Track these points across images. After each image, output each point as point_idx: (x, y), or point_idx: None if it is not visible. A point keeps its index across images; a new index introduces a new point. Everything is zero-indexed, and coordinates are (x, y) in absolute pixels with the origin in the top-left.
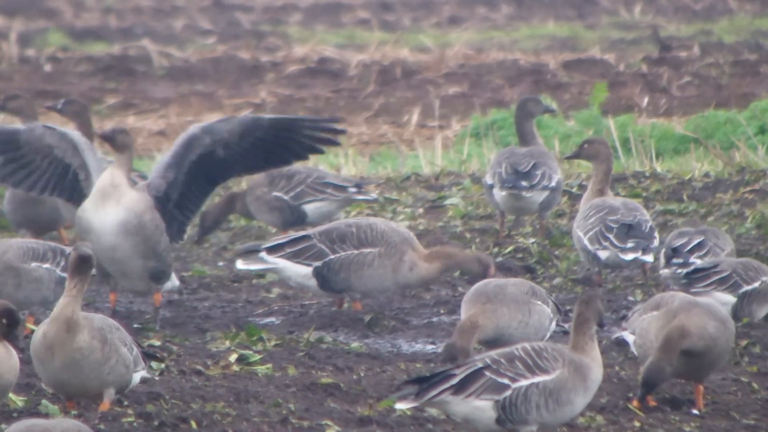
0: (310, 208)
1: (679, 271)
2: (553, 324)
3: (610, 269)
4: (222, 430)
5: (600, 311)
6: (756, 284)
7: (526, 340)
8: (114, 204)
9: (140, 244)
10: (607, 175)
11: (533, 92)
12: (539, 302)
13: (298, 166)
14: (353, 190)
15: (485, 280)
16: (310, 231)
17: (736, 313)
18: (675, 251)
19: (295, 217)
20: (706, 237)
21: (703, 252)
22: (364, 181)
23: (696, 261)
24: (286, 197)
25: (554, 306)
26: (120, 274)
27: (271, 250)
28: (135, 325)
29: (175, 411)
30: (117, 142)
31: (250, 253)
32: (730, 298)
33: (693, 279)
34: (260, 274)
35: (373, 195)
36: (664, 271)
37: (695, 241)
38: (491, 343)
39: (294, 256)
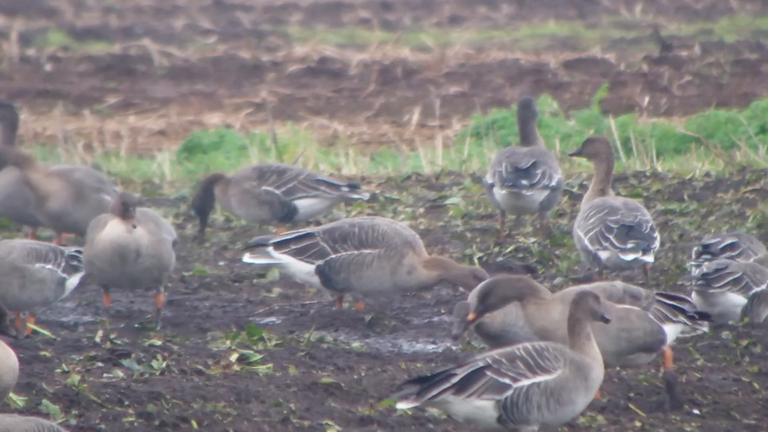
0: (302, 204)
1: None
2: None
3: (610, 269)
4: (223, 430)
5: (593, 309)
6: (763, 286)
7: (530, 340)
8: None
9: (156, 268)
10: (608, 174)
11: (534, 92)
12: None
13: (287, 164)
14: (346, 189)
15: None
16: (314, 229)
17: (745, 314)
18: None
19: (285, 213)
20: (740, 240)
21: (736, 252)
22: (356, 181)
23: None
24: (277, 192)
25: None
26: (128, 285)
27: (278, 245)
28: (135, 325)
29: (175, 411)
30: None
31: (257, 247)
32: (742, 300)
33: (709, 280)
34: (261, 273)
35: (366, 195)
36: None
37: (728, 241)
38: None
39: (298, 253)
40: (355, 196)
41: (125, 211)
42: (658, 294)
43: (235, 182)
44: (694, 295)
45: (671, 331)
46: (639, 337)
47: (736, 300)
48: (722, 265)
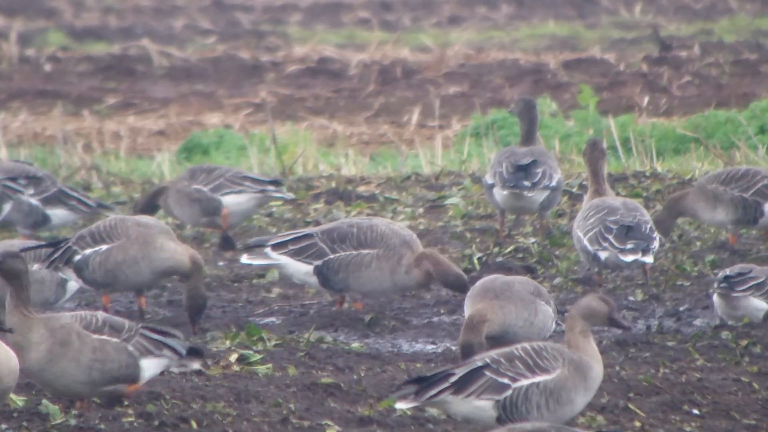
0: (228, 200)
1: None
2: (554, 324)
3: (610, 270)
4: (222, 430)
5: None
6: None
7: (529, 340)
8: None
9: None
10: (595, 175)
11: (533, 92)
12: (543, 302)
13: (220, 165)
14: (271, 187)
15: (492, 277)
16: (313, 229)
17: (766, 319)
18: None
19: (212, 209)
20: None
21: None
22: (280, 179)
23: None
24: (205, 189)
25: (554, 306)
26: (146, 287)
27: (276, 246)
28: None
29: (175, 411)
30: None
31: (255, 248)
32: (764, 305)
33: (732, 283)
34: (261, 274)
35: (290, 195)
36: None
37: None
38: (495, 340)
39: (296, 254)
40: (277, 194)
41: None
42: (144, 327)
43: (172, 185)
44: (715, 297)
45: (152, 365)
46: (113, 369)
47: (759, 305)
48: (746, 269)
